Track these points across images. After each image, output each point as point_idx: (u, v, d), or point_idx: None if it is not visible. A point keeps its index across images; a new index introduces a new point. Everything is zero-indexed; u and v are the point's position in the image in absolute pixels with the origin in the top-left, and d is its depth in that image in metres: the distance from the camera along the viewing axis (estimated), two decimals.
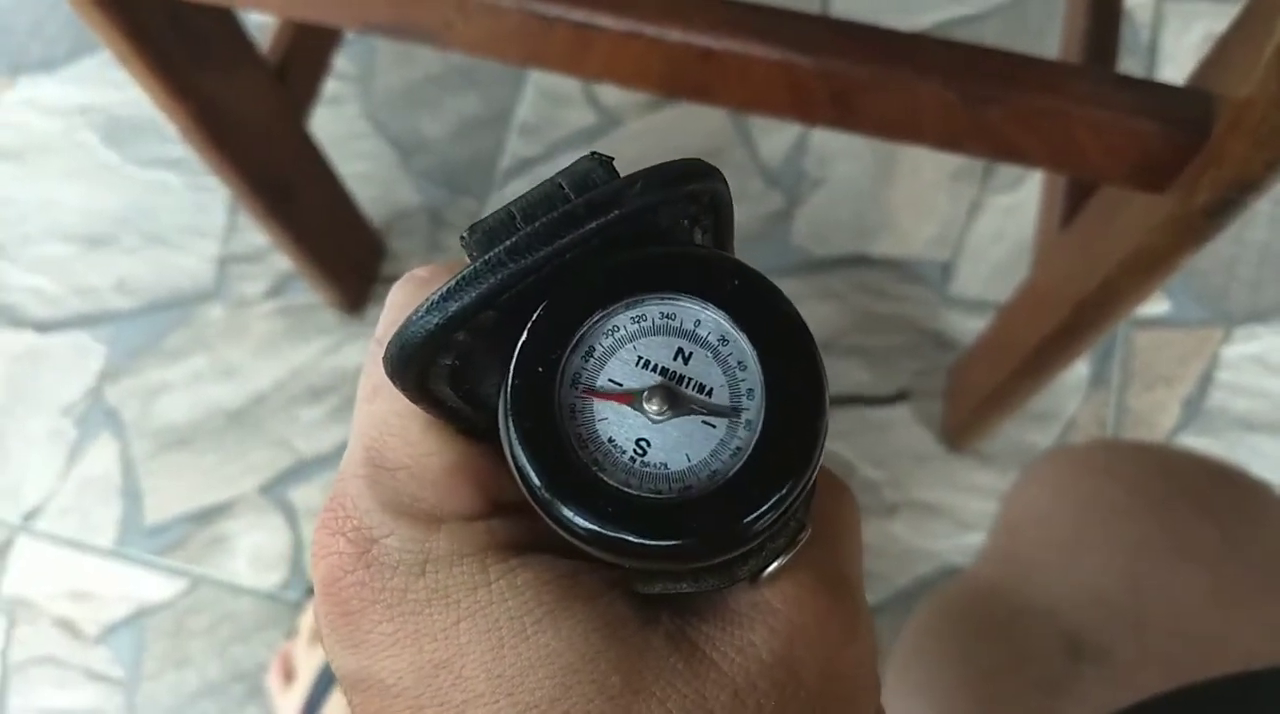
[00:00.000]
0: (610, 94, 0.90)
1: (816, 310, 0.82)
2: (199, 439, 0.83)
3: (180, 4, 0.50)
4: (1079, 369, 0.79)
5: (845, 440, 0.79)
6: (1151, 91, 0.40)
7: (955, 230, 0.84)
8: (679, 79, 0.44)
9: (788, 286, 0.20)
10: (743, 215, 0.86)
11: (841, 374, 0.80)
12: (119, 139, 0.91)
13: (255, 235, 0.86)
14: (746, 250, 0.87)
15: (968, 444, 0.78)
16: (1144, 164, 0.40)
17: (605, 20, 0.42)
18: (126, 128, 0.91)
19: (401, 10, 0.45)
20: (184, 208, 0.88)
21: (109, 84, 0.92)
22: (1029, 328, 0.59)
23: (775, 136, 0.87)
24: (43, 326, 0.86)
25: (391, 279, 0.86)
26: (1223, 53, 0.40)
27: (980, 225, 0.83)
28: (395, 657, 0.18)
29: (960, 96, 0.40)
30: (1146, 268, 0.45)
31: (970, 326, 0.80)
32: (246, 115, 0.61)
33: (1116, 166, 0.41)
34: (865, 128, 0.43)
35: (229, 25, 0.59)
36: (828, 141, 0.87)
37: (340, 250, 0.82)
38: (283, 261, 0.84)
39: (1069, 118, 0.40)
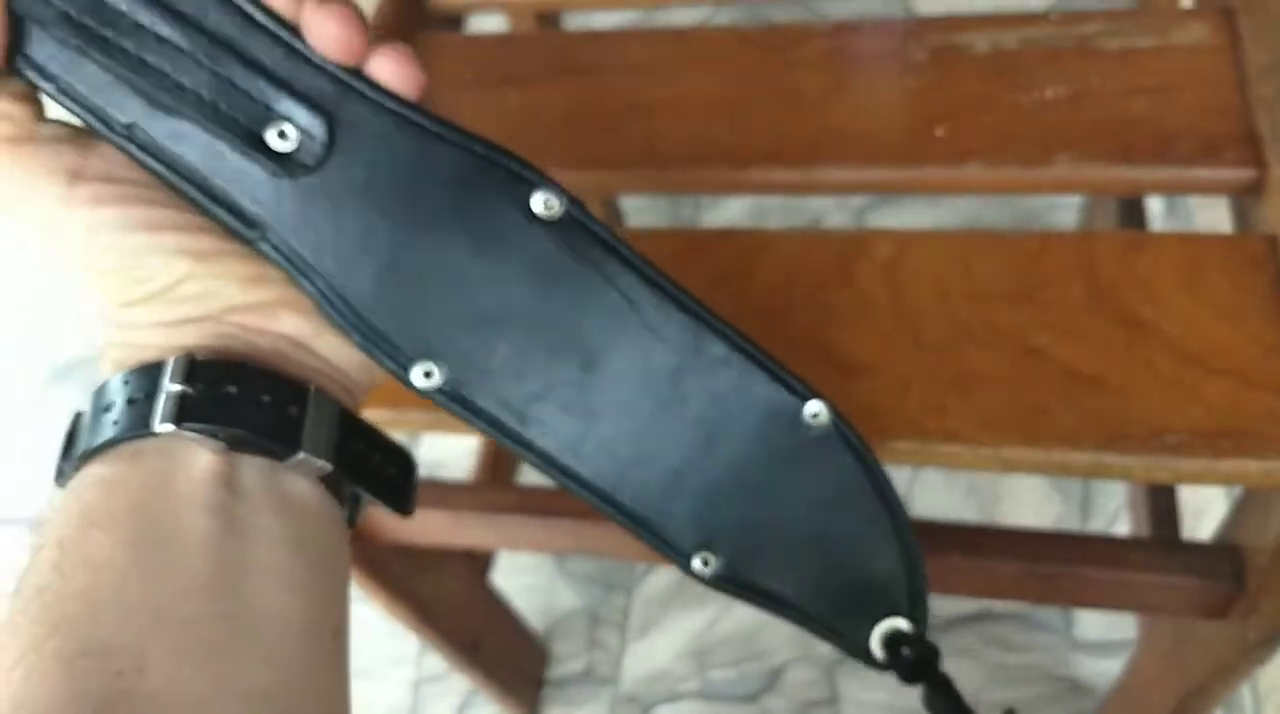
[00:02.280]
0: None
1: (955, 667, 0.88)
2: None
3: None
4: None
5: None
6: (1193, 552, 0.49)
7: None
8: None
9: None
10: None
11: None
12: None
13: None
14: None
15: None
16: (1197, 608, 0.49)
17: None
18: None
19: (585, 541, 0.58)
20: (380, 638, 1.01)
21: None
22: (1149, 702, 0.65)
23: None
24: None
25: (558, 682, 0.96)
26: (1241, 518, 0.49)
27: None
28: None
29: (1035, 574, 0.50)
30: (1230, 674, 0.53)
31: (1103, 668, 0.86)
32: (445, 594, 0.75)
33: (1175, 609, 0.50)
34: (969, 594, 0.53)
35: None
36: (932, 490, 0.97)
37: (516, 667, 0.93)
38: (464, 682, 0.96)
39: (1126, 582, 0.49)
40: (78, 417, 0.30)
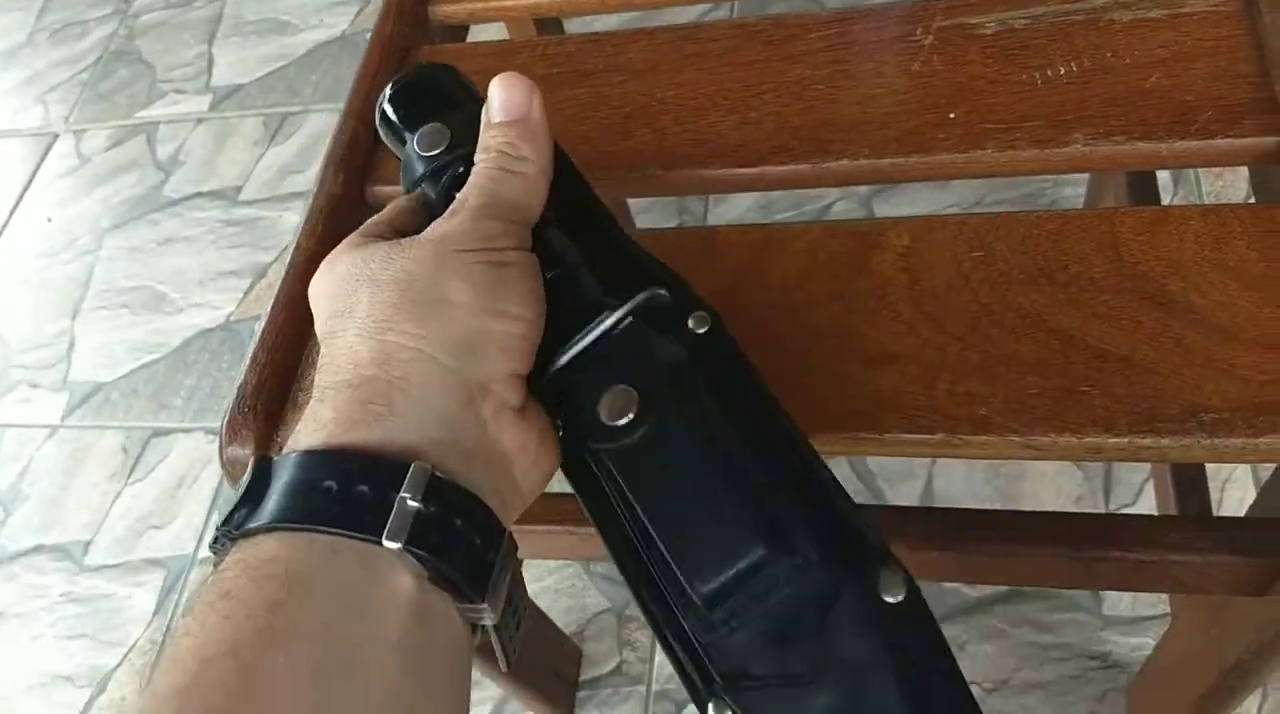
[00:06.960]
0: None
1: (985, 650, 0.88)
2: None
3: None
4: None
5: None
6: (1230, 529, 0.49)
7: None
8: None
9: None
10: None
11: (1024, 712, 0.85)
12: None
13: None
14: None
15: None
16: (1237, 586, 0.48)
17: None
18: None
19: None
20: None
21: None
22: (1185, 680, 0.65)
23: (901, 487, 0.97)
24: None
25: (592, 683, 0.96)
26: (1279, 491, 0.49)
27: None
28: None
29: (1073, 559, 0.50)
30: (1270, 652, 0.52)
31: (1133, 643, 0.85)
32: None
33: (1214, 587, 0.49)
34: (999, 582, 0.53)
35: None
36: (951, 481, 0.96)
37: (549, 671, 0.92)
38: (497, 688, 0.95)
39: (1165, 563, 0.48)
40: (266, 465, 0.27)
